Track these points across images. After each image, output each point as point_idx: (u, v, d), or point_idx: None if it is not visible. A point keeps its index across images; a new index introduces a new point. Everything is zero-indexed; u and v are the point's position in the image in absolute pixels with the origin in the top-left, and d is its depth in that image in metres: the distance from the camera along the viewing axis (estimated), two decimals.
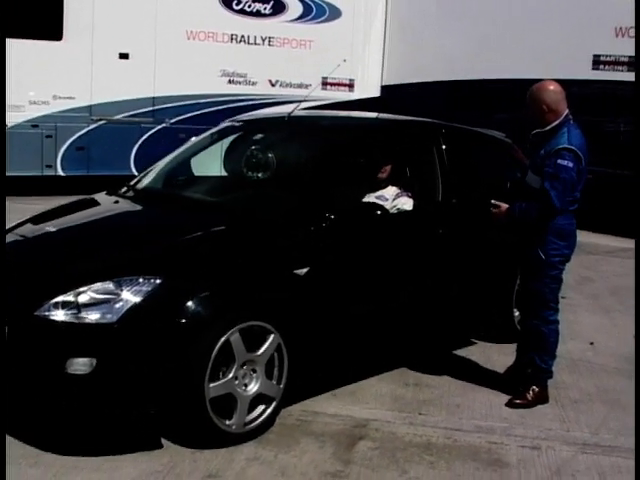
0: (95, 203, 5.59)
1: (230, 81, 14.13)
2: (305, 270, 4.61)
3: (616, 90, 12.02)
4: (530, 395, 5.24)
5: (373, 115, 6.87)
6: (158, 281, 4.14)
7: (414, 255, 5.51)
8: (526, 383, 5.30)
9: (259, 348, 4.41)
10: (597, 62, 12.38)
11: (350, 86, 15.08)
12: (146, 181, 5.93)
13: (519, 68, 12.84)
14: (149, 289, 4.11)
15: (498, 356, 6.19)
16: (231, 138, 6.34)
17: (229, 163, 6.65)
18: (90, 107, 12.93)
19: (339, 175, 5.26)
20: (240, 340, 4.28)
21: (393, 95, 14.99)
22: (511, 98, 12.61)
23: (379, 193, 5.66)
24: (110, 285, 4.12)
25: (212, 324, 4.17)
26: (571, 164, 4.90)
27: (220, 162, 6.59)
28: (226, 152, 6.56)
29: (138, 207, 5.62)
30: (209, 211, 5.22)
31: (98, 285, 4.13)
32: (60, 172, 12.92)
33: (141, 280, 4.13)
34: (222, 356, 4.23)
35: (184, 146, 6.33)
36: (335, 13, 14.87)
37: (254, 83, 14.32)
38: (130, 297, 4.08)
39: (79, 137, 12.96)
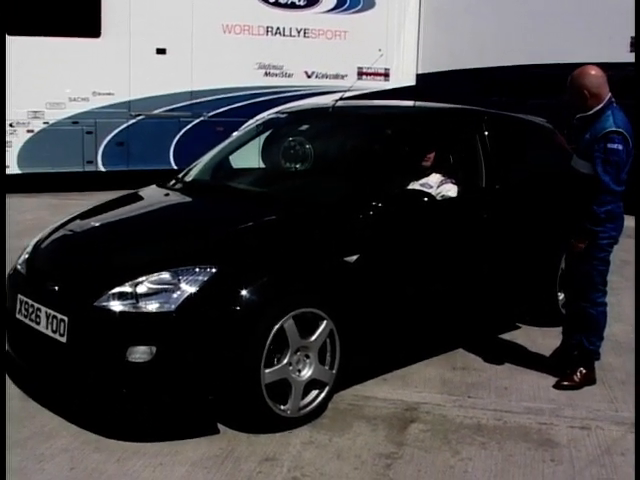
0: (145, 196, 5.72)
1: (266, 73, 14.22)
2: (355, 257, 4.71)
3: None
4: (578, 377, 5.30)
5: (415, 104, 6.95)
6: (213, 270, 4.26)
7: (460, 240, 5.58)
8: (573, 365, 5.36)
9: (312, 334, 4.52)
10: (634, 44, 12.25)
11: (385, 75, 15.11)
12: (194, 173, 6.06)
13: (556, 53, 12.85)
14: (205, 278, 4.23)
15: (543, 339, 6.25)
16: (275, 130, 6.44)
17: (269, 154, 6.75)
18: (129, 103, 13.10)
19: (385, 164, 5.34)
20: (294, 327, 4.39)
21: (428, 83, 14.96)
22: (548, 84, 12.73)
23: (424, 180, 5.74)
24: (167, 275, 4.25)
25: (266, 311, 4.28)
26: (621, 146, 4.94)
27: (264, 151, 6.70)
28: (264, 144, 6.66)
29: (189, 199, 5.76)
30: (259, 201, 5.35)
31: (155, 276, 4.26)
32: (101, 167, 13.11)
33: (197, 270, 4.26)
34: (276, 343, 4.35)
35: (229, 139, 6.44)
36: (369, 3, 14.91)
37: (290, 75, 14.40)
38: (187, 287, 4.20)
39: (119, 132, 13.14)
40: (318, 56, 14.43)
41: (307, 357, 4.55)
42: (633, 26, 12.14)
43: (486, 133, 5.84)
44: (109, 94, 12.90)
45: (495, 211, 5.75)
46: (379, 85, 14.89)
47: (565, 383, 5.29)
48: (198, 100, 13.69)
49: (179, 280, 4.22)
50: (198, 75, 13.55)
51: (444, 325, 5.78)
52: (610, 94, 5.11)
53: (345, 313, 4.66)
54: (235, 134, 6.44)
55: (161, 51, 13.21)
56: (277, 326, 4.31)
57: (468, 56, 14.56)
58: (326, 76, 14.59)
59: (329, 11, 14.62)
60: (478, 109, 6.37)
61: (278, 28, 14.22)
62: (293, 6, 14.31)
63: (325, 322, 4.54)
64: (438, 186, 5.71)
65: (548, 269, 6.36)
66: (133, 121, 13.22)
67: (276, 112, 6.71)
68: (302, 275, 4.57)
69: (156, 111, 13.35)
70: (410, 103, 6.97)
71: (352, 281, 4.74)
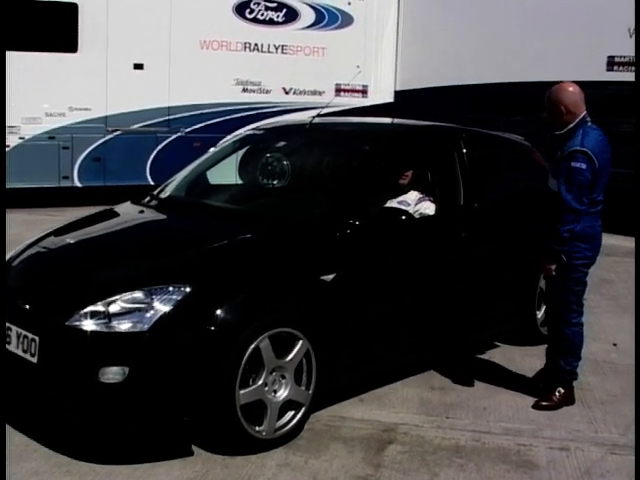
0: (120, 213, 5.64)
1: (244, 89, 14.16)
2: (332, 276, 4.64)
3: (631, 91, 11.97)
4: (556, 397, 5.26)
5: (393, 121, 6.91)
6: (187, 289, 4.18)
7: (437, 258, 5.54)
8: (552, 385, 5.31)
9: (288, 354, 4.45)
10: (611, 63, 12.41)
11: (364, 92, 15.10)
12: (169, 190, 5.98)
13: (533, 71, 12.89)
14: (179, 297, 4.15)
15: (522, 358, 6.22)
16: (251, 146, 6.37)
17: (246, 171, 6.69)
18: (106, 118, 12.98)
19: (362, 181, 5.27)
20: (269, 347, 4.31)
21: (407, 100, 14.95)
22: (526, 101, 12.78)
23: (401, 198, 5.69)
24: (140, 294, 4.17)
25: (242, 331, 4.20)
26: (584, 166, 4.90)
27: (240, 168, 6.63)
28: (241, 160, 6.60)
29: (163, 216, 5.67)
30: (235, 218, 5.28)
31: (128, 295, 4.17)
32: (77, 183, 12.97)
33: (171, 289, 4.17)
34: (252, 363, 4.27)
35: (206, 155, 6.36)
36: (347, 20, 14.89)
37: (268, 91, 14.34)
38: (160, 306, 4.11)
39: (95, 148, 13.01)
40: (296, 72, 14.40)
41: (283, 377, 4.47)
42: (611, 45, 12.29)
43: (464, 151, 5.80)
44: (86, 109, 12.78)
45: (473, 229, 5.71)
46: (357, 102, 14.89)
47: (544, 403, 5.24)
48: (175, 116, 13.60)
49: (152, 299, 4.14)
50: (175, 91, 13.46)
51: (422, 344, 5.72)
52: (585, 112, 5.08)
53: (321, 333, 4.60)
54: (212, 150, 6.36)
55: (138, 66, 13.12)
56: (252, 346, 4.23)
57: (446, 73, 14.56)
58: (304, 92, 14.55)
59: (307, 27, 14.59)
60: (456, 126, 6.33)
61: (256, 44, 14.17)
62: (271, 22, 14.27)
63: (301, 342, 4.47)
64: (416, 204, 5.66)
65: (527, 288, 6.33)
66: (110, 136, 13.10)
67: (253, 128, 6.62)
68: (278, 294, 4.49)
69: (133, 126, 13.25)
70: (388, 120, 6.94)
71: (329, 300, 4.67)
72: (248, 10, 14.04)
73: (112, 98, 12.94)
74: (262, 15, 14.19)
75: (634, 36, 11.99)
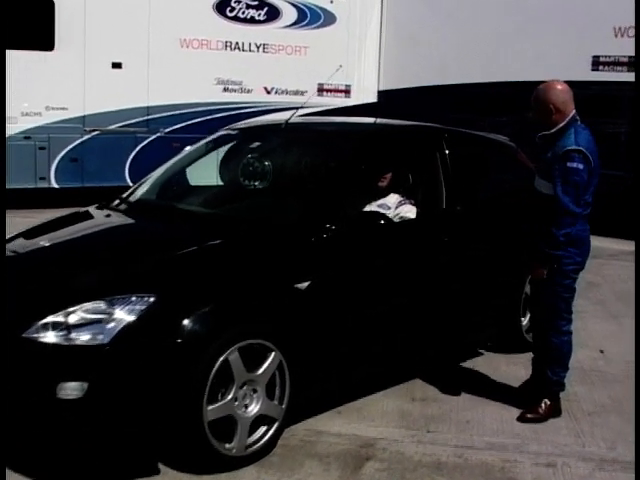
0: (86, 217, 5.37)
1: (225, 89, 13.92)
2: (307, 283, 4.40)
3: (616, 91, 11.85)
4: (542, 409, 5.03)
5: (373, 121, 6.67)
6: (152, 299, 3.93)
7: (419, 264, 5.30)
8: (538, 396, 5.09)
9: (259, 367, 4.20)
10: (596, 63, 12.26)
11: (346, 92, 14.90)
12: (139, 193, 5.73)
13: (517, 70, 12.75)
14: (142, 307, 3.89)
15: (506, 367, 6.00)
16: (227, 147, 6.11)
17: (225, 172, 6.45)
18: (83, 118, 12.70)
19: (339, 184, 5.04)
20: (239, 359, 4.07)
21: (390, 100, 14.76)
22: (510, 101, 12.67)
23: (381, 201, 5.46)
24: (101, 304, 3.91)
25: (209, 343, 3.95)
26: (581, 166, 4.70)
27: (216, 171, 6.37)
28: (221, 161, 6.35)
29: (130, 220, 5.38)
30: (205, 223, 5.01)
31: (89, 304, 3.92)
32: (54, 184, 12.68)
33: (134, 298, 3.92)
34: (221, 377, 4.02)
35: (178, 156, 6.12)
36: (330, 18, 14.69)
37: (249, 91, 14.11)
38: (122, 317, 3.86)
39: (73, 148, 12.72)
40: (278, 72, 14.17)
41: (254, 391, 4.23)
42: (596, 45, 12.13)
43: (446, 152, 5.57)
44: (63, 109, 12.50)
45: (456, 233, 5.48)
46: (340, 102, 14.69)
47: (529, 416, 5.02)
48: (155, 116, 13.34)
49: (114, 310, 3.89)
50: (155, 90, 13.19)
51: (403, 352, 5.49)
52: (574, 111, 4.89)
53: (296, 344, 4.36)
54: (186, 149, 6.11)
55: (117, 65, 12.84)
56: (221, 359, 3.99)
57: (430, 73, 14.37)
58: (286, 92, 14.32)
59: (289, 26, 14.36)
60: (438, 126, 6.09)
61: (237, 43, 13.94)
62: (253, 21, 14.04)
63: (274, 354, 4.23)
64: (396, 207, 5.43)
65: (511, 293, 6.11)
66: (87, 137, 12.82)
67: (227, 128, 6.35)
68: (249, 304, 4.23)
69: (111, 127, 12.97)
70: (368, 120, 6.69)
71: (303, 309, 4.43)
72: (229, 8, 13.81)
73: (90, 97, 12.67)
74: (243, 13, 13.95)
75: (634, 36, 11.82)
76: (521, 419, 5.01)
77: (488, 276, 5.87)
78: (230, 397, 4.09)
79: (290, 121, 5.68)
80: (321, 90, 14.34)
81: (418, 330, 5.47)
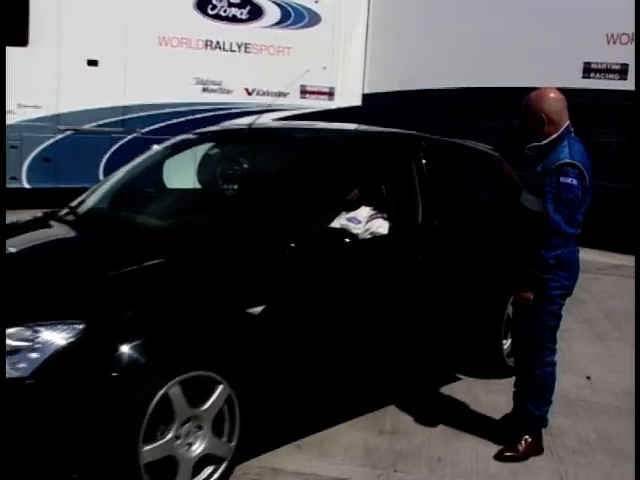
0: (27, 229, 4.87)
1: (204, 89, 13.51)
2: (261, 308, 3.93)
3: (608, 99, 11.50)
4: (522, 446, 4.58)
5: (344, 126, 6.19)
6: (81, 326, 3.46)
7: (389, 286, 4.83)
8: (518, 432, 4.65)
9: (205, 402, 3.74)
10: (588, 70, 11.95)
11: (330, 94, 14.51)
12: (90, 202, 5.25)
13: (507, 76, 12.44)
14: (70, 336, 3.42)
15: (486, 394, 5.57)
16: (186, 153, 5.62)
17: (183, 180, 5.95)
18: (57, 116, 12.24)
19: (303, 196, 4.56)
20: (181, 394, 3.60)
21: (375, 104, 14.42)
22: (498, 108, 12.33)
23: (351, 215, 5.00)
24: (23, 331, 3.44)
25: (146, 377, 3.48)
26: (575, 182, 4.26)
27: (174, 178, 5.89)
28: (179, 168, 5.87)
29: (73, 234, 4.88)
30: (151, 238, 4.50)
31: (9, 331, 3.44)
32: (25, 184, 12.21)
33: (61, 325, 3.45)
34: (160, 413, 3.56)
35: (134, 161, 5.65)
36: (315, 19, 14.31)
37: (230, 91, 13.71)
38: (48, 345, 3.39)
39: (45, 148, 12.26)
40: (260, 72, 13.75)
41: (199, 428, 3.77)
42: (587, 51, 11.80)
43: (423, 161, 5.12)
44: (36, 107, 12.04)
45: (432, 251, 5.04)
46: (323, 104, 14.35)
47: (508, 454, 4.57)
48: (131, 115, 12.92)
49: (38, 338, 3.41)
50: (132, 89, 12.77)
51: (373, 379, 5.05)
52: (569, 122, 4.45)
53: (247, 375, 3.89)
54: (138, 158, 5.64)
55: (92, 62, 12.40)
56: (160, 393, 3.52)
57: (417, 77, 14.03)
58: (268, 93, 13.88)
59: (272, 26, 13.97)
60: (415, 134, 5.64)
61: (218, 42, 13.54)
62: (234, 19, 13.64)
63: (221, 386, 3.76)
64: (367, 221, 4.96)
65: (492, 315, 5.68)
66: (61, 136, 12.36)
67: (189, 133, 5.86)
68: (192, 331, 3.74)
69: (86, 126, 12.51)
70: (339, 126, 6.22)
71: (257, 337, 3.96)
72: (210, 6, 13.41)
73: (64, 96, 12.21)
74: (225, 11, 13.56)
75: (613, 42, 11.58)
76: (499, 457, 4.56)
77: (467, 296, 5.43)
78: (170, 436, 3.63)
79: (255, 126, 5.21)
80: (304, 92, 14.08)
81: (390, 356, 5.02)
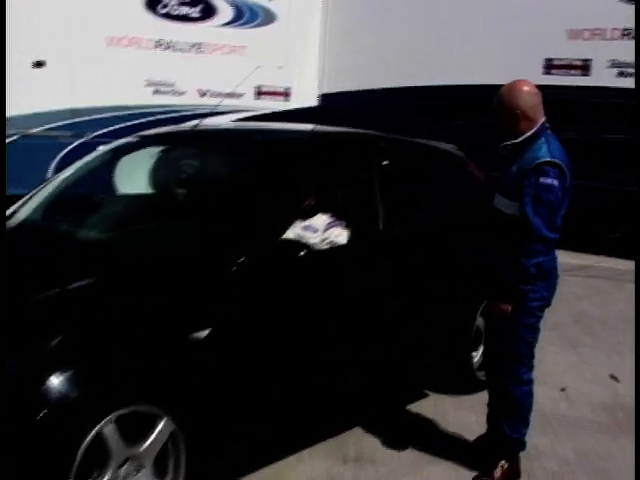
0: None
1: (156, 91, 13.02)
2: (207, 332, 3.50)
3: (570, 96, 11.25)
4: (499, 472, 4.21)
5: (297, 127, 5.77)
6: None
7: (350, 300, 4.42)
8: (493, 456, 4.27)
9: (145, 439, 3.32)
10: (549, 66, 11.76)
11: (286, 95, 14.04)
12: (25, 212, 4.80)
13: (466, 74, 12.17)
14: None
15: (455, 412, 5.21)
16: (127, 158, 5.16)
17: (122, 188, 5.48)
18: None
19: (251, 205, 4.13)
20: (116, 432, 3.18)
21: (333, 104, 13.98)
22: (459, 106, 12.04)
23: (307, 223, 4.57)
24: None
25: (76, 413, 3.05)
26: (556, 182, 3.89)
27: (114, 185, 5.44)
28: (118, 174, 5.41)
29: None
30: (85, 253, 4.01)
31: None
32: None
33: None
34: (93, 454, 3.13)
35: (72, 167, 5.21)
36: (269, 17, 13.86)
37: (182, 93, 13.22)
38: None
39: None
40: (213, 73, 13.23)
41: (140, 469, 3.34)
42: (549, 47, 11.61)
43: (384, 163, 4.73)
44: None
45: (395, 260, 4.65)
46: (280, 105, 13.85)
47: None
48: (80, 119, 12.34)
49: None
50: (80, 91, 12.18)
51: (334, 401, 4.65)
52: (544, 117, 4.09)
53: (193, 407, 3.47)
54: (76, 164, 5.20)
55: (39, 64, 11.85)
56: (93, 432, 3.10)
57: (375, 75, 13.64)
58: (222, 95, 13.26)
59: (225, 25, 13.49)
60: (374, 133, 5.23)
61: (169, 42, 13.05)
62: (186, 18, 13.15)
63: (163, 422, 3.34)
64: (324, 230, 4.53)
65: (461, 326, 5.31)
66: (7, 141, 11.79)
67: (131, 135, 5.41)
68: (128, 360, 3.29)
69: (33, 130, 11.97)
70: (293, 126, 5.80)
71: (203, 364, 3.53)
72: (160, 5, 12.88)
73: (9, 99, 11.58)
74: (176, 10, 13.05)
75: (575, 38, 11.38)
76: None
77: (433, 306, 5.07)
78: (107, 479, 3.20)
79: (200, 128, 4.77)
80: (259, 93, 13.65)
81: (353, 374, 4.62)
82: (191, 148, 4.95)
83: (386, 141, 5.01)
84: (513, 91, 4.07)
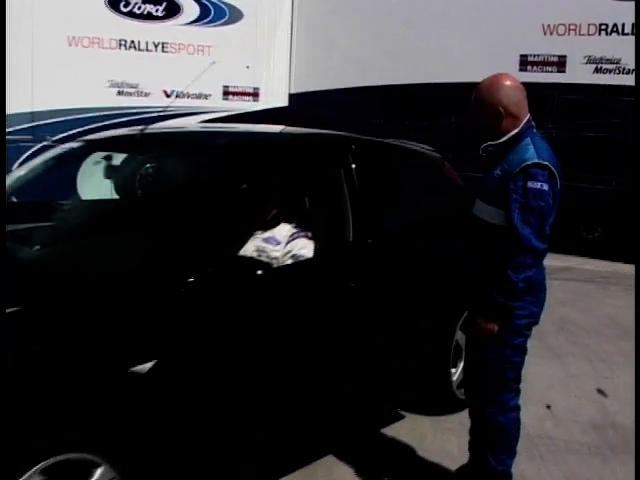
0: None
1: (119, 92, 12.62)
2: (150, 365, 3.06)
3: (545, 92, 10.96)
4: None
5: (259, 128, 5.32)
6: None
7: (317, 321, 3.98)
8: None
9: None
10: (524, 62, 11.43)
11: (254, 95, 13.63)
12: None
13: (441, 71, 11.85)
14: None
15: (434, 435, 4.82)
16: (70, 164, 4.74)
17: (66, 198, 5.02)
18: None
19: (203, 216, 3.65)
20: None
21: (304, 104, 13.60)
22: (434, 104, 11.71)
23: (268, 234, 4.16)
24: None
25: None
26: (546, 186, 3.48)
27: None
28: (61, 183, 4.97)
29: None
30: (11, 272, 3.44)
31: None
32: None
33: None
34: None
35: (13, 174, 4.77)
36: (236, 15, 13.43)
37: (147, 94, 12.79)
38: None
39: None
40: (179, 73, 12.65)
41: None
42: (524, 43, 11.36)
43: (353, 166, 4.30)
44: None
45: (367, 274, 4.22)
46: (248, 106, 13.44)
47: None
48: (40, 122, 11.99)
49: None
50: (40, 93, 11.83)
51: (301, 428, 4.22)
52: (529, 115, 3.69)
53: (135, 451, 3.03)
54: (16, 171, 4.77)
55: None
56: None
57: (346, 74, 13.22)
58: (188, 95, 13.01)
59: (191, 23, 13.08)
60: (343, 135, 4.79)
61: (133, 41, 12.66)
62: (150, 17, 12.74)
63: (101, 470, 2.91)
64: (288, 242, 4.12)
65: (439, 342, 4.91)
66: None
67: (76, 140, 4.97)
68: (56, 401, 2.82)
69: None
70: (254, 127, 5.36)
71: (146, 400, 3.09)
72: (123, 3, 12.48)
73: None
74: (139, 9, 12.64)
75: (550, 34, 11.16)
76: None
77: (409, 322, 4.66)
78: None
79: (149, 132, 4.33)
80: (227, 93, 13.29)
81: (320, 399, 4.19)
82: (138, 154, 4.49)
83: (356, 143, 4.56)
84: (495, 86, 3.66)
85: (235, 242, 3.93)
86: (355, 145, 4.50)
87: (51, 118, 11.99)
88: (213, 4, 13.22)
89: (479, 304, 3.68)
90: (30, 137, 11.83)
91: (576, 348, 6.80)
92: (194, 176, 4.11)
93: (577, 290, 9.13)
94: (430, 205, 5.02)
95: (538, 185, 3.44)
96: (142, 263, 3.38)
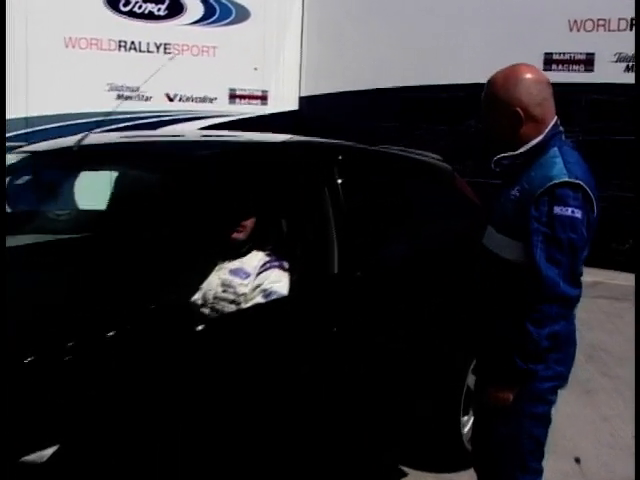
0: None
1: (119, 96, 12.16)
2: (50, 450, 2.33)
3: (572, 93, 10.39)
4: None
5: (225, 134, 4.58)
6: None
7: (292, 369, 3.22)
8: None
9: None
10: (549, 61, 10.96)
11: (263, 98, 13.24)
12: None
13: (459, 72, 11.35)
14: None
15: None
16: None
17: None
18: None
19: (151, 241, 2.93)
20: None
21: (314, 107, 13.22)
22: (452, 107, 11.24)
23: (236, 265, 3.42)
24: None
25: None
26: (578, 213, 2.66)
27: None
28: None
29: None
30: None
31: None
32: None
33: None
34: None
35: None
36: (243, 14, 13.04)
37: (148, 98, 12.42)
38: None
39: None
40: (182, 76, 12.33)
41: None
42: (548, 40, 10.91)
43: (340, 181, 3.55)
44: None
45: (353, 317, 3.46)
46: (256, 110, 13.05)
47: None
48: (35, 128, 11.55)
49: None
50: (36, 98, 11.43)
51: None
52: (557, 117, 2.89)
53: None
54: None
55: None
56: None
57: (358, 76, 12.77)
58: (192, 99, 12.67)
59: (195, 23, 12.70)
60: (329, 143, 4.03)
61: (133, 42, 12.29)
62: (151, 16, 12.38)
63: None
64: (258, 273, 3.39)
65: (448, 388, 4.18)
66: None
67: (15, 152, 4.31)
68: None
69: None
70: (222, 133, 4.64)
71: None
72: (123, 2, 12.12)
73: None
74: (140, 8, 12.27)
75: (577, 30, 10.81)
76: None
77: (412, 368, 3.93)
78: None
79: (87, 143, 3.59)
80: (233, 96, 12.89)
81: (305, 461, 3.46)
82: (79, 167, 3.77)
83: (344, 153, 3.80)
84: (511, 80, 2.83)
85: (193, 276, 3.19)
86: (342, 155, 3.73)
87: (47, 124, 11.65)
88: (219, 2, 12.87)
89: (489, 367, 2.90)
90: (24, 144, 11.31)
91: (608, 381, 6.07)
92: (147, 192, 3.38)
93: (607, 310, 8.37)
94: (437, 229, 4.23)
95: (568, 211, 2.60)
96: (70, 306, 2.62)
